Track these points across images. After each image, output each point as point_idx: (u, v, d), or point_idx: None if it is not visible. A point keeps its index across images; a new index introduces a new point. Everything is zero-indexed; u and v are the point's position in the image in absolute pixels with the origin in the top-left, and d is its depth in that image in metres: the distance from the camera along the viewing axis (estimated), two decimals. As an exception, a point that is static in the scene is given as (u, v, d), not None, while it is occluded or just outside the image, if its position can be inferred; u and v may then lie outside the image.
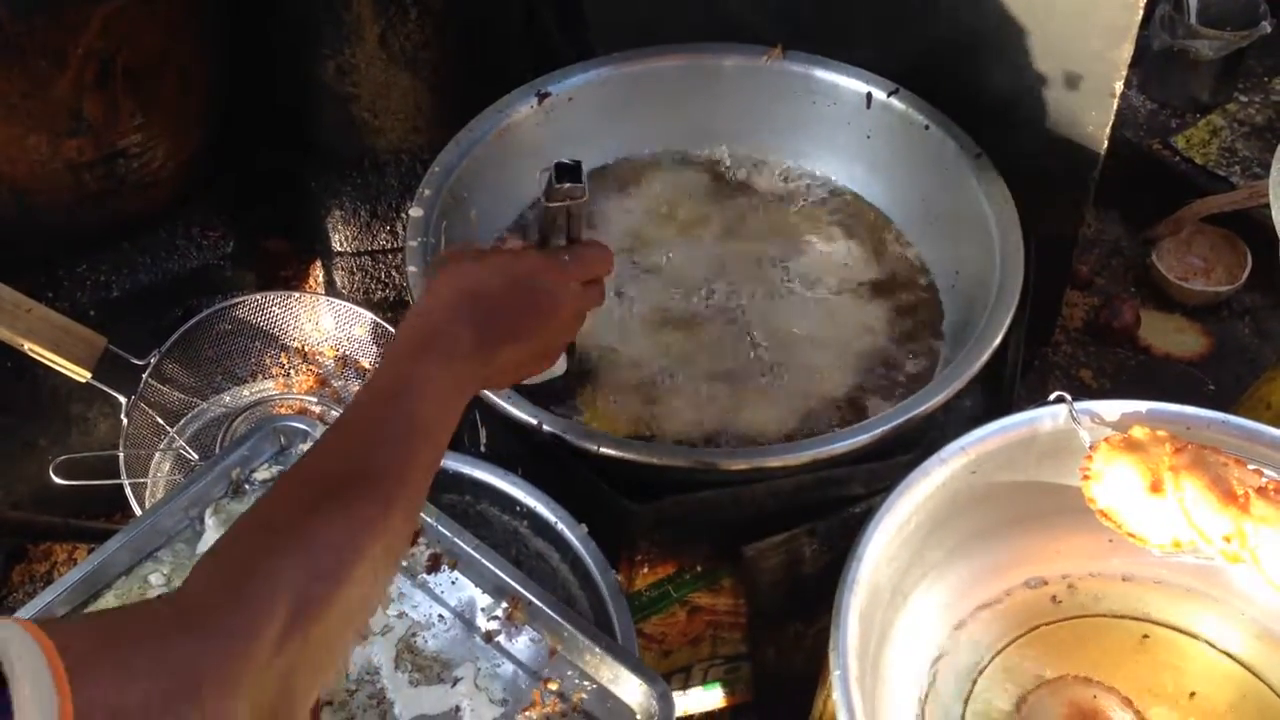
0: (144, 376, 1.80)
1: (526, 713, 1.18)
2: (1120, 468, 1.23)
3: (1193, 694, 1.29)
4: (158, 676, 0.74)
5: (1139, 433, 1.26)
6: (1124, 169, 2.36)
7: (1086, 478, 1.25)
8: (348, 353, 1.98)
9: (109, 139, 1.71)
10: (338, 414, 1.83)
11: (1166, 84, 2.45)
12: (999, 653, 1.34)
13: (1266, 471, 1.23)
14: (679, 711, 1.60)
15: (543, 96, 1.73)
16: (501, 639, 1.23)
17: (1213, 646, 1.33)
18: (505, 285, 1.06)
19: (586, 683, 1.20)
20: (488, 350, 1.03)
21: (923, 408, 1.34)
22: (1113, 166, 1.81)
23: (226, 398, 1.92)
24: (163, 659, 0.75)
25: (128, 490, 1.76)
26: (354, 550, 0.87)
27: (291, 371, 1.96)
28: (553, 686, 1.20)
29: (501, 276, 1.06)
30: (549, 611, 1.21)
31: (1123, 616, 1.36)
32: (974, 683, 1.32)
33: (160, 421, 1.81)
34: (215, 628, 0.78)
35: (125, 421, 1.77)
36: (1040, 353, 2.16)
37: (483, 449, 1.60)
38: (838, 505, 1.41)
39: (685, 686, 1.61)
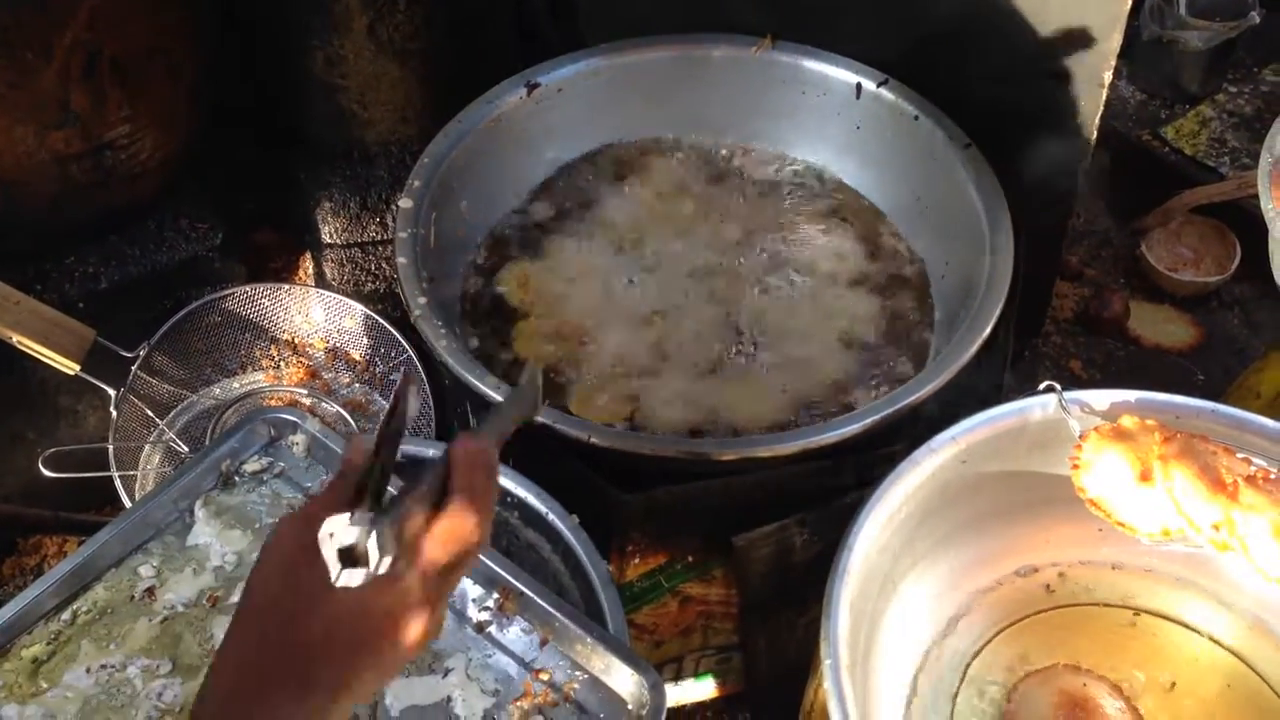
0: (133, 369, 1.79)
1: (518, 703, 1.18)
2: (1109, 457, 1.23)
3: (1181, 681, 1.30)
4: None
5: (1128, 422, 1.26)
6: (1113, 160, 2.37)
7: (1076, 467, 1.25)
8: (337, 345, 1.98)
9: (96, 131, 1.70)
10: (328, 406, 1.83)
11: (1156, 75, 2.45)
12: (989, 641, 1.34)
13: (1255, 460, 1.23)
14: (671, 702, 1.60)
15: (532, 87, 1.73)
16: (493, 629, 1.23)
17: (1202, 634, 1.34)
18: (323, 632, 0.84)
19: (578, 673, 1.19)
20: (318, 704, 0.84)
21: (912, 398, 1.35)
22: (1102, 157, 1.82)
23: (216, 390, 1.92)
24: None
25: (117, 483, 1.75)
26: None
27: (281, 363, 1.96)
28: (544, 677, 1.20)
29: (317, 618, 0.84)
30: (540, 602, 1.21)
31: (1112, 605, 1.37)
32: (965, 671, 1.32)
33: (150, 414, 1.81)
34: None
35: (115, 414, 1.76)
36: (1030, 343, 2.16)
37: (473, 440, 1.60)
38: (828, 495, 1.42)
39: (677, 677, 1.61)
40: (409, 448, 1.41)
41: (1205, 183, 2.26)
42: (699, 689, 1.65)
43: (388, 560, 0.83)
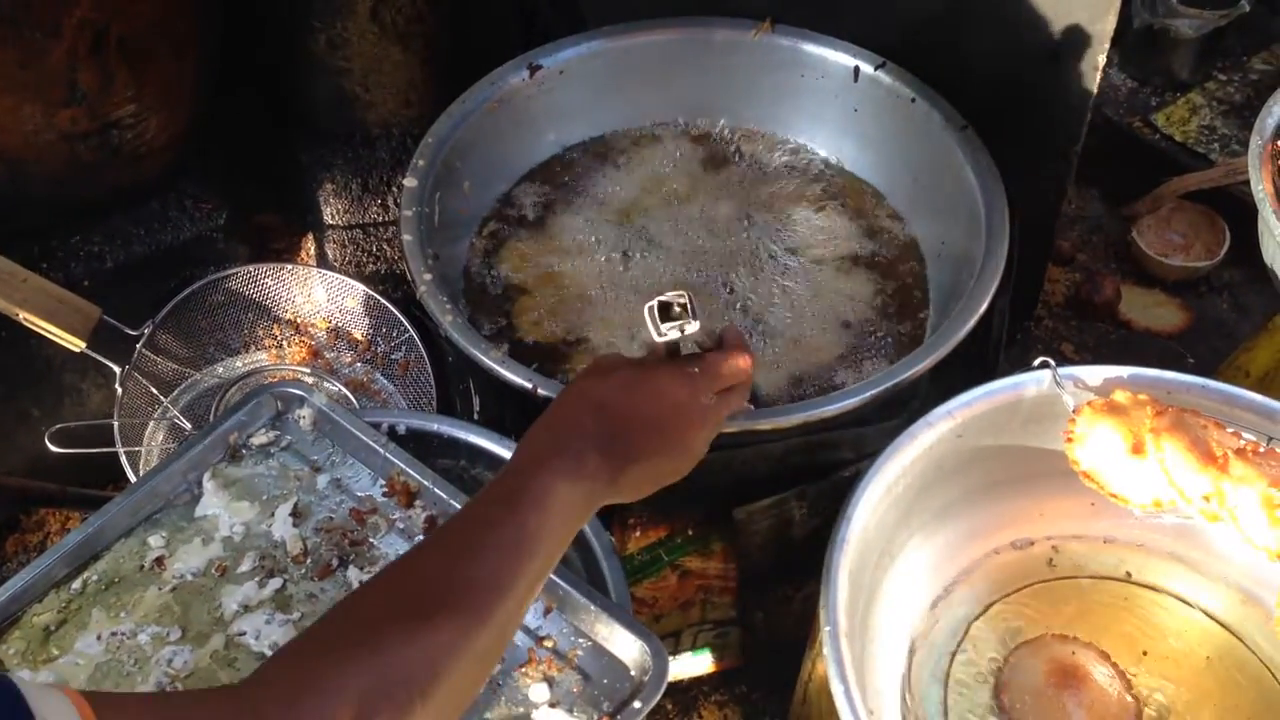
0: (138, 346, 1.81)
1: (523, 669, 1.20)
2: (1102, 430, 1.26)
3: (1171, 651, 1.33)
4: None
5: (1121, 397, 1.29)
6: (1105, 146, 2.39)
7: (1070, 440, 1.28)
8: (340, 325, 1.99)
9: (103, 110, 1.72)
10: (330, 385, 1.86)
11: (1147, 62, 2.48)
12: (984, 612, 1.37)
13: (1245, 434, 1.26)
14: (669, 676, 1.63)
15: (534, 69, 1.74)
16: (498, 598, 1.25)
17: (1192, 606, 1.37)
18: (633, 401, 1.06)
19: (582, 640, 1.22)
20: (614, 467, 1.03)
21: (909, 372, 1.37)
22: (1094, 144, 1.84)
23: (220, 368, 1.94)
24: None
25: (123, 458, 1.77)
26: (430, 673, 0.86)
27: (284, 343, 1.98)
28: (548, 644, 1.22)
29: (629, 392, 1.06)
30: (545, 570, 1.23)
31: (1105, 577, 1.40)
32: (960, 641, 1.35)
33: (154, 391, 1.83)
34: None
35: (120, 391, 1.78)
36: (1023, 327, 2.19)
37: (475, 416, 1.63)
38: (826, 469, 1.44)
39: (675, 651, 1.64)
40: (413, 421, 1.43)
41: (1195, 169, 2.29)
42: (697, 663, 1.68)
43: (697, 324, 1.09)
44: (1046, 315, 2.25)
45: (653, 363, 1.12)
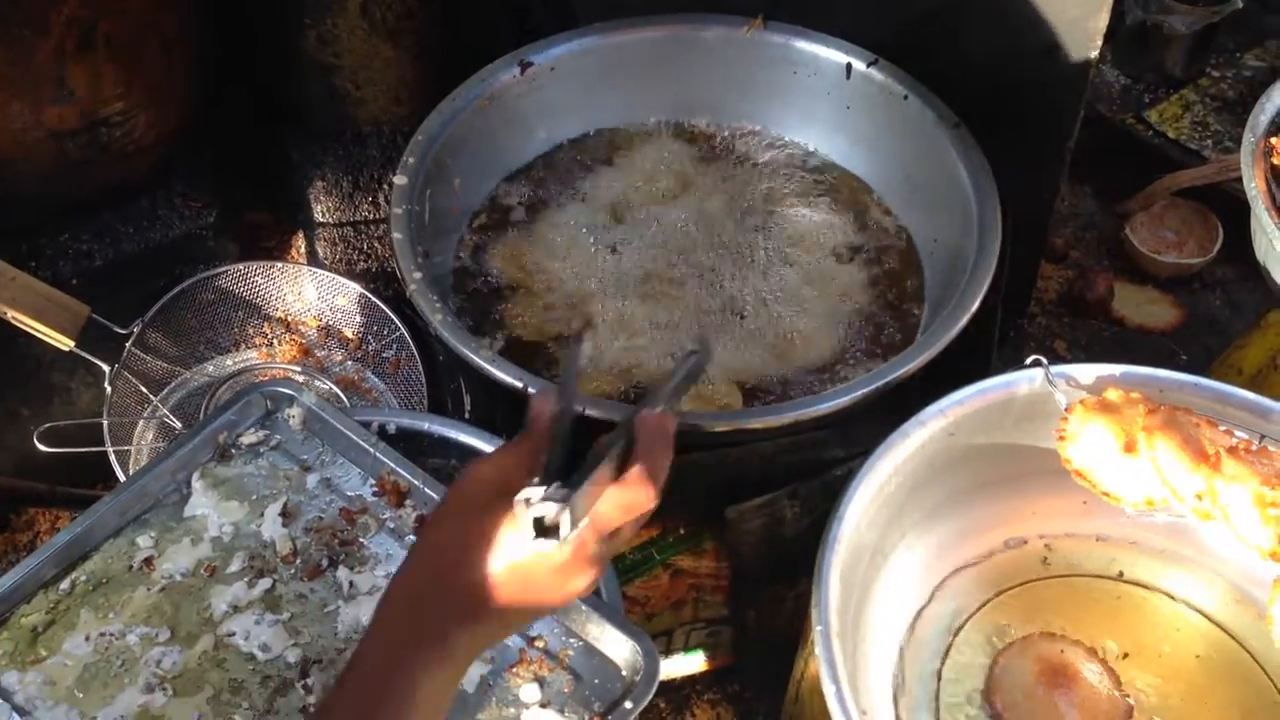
0: (127, 345, 1.80)
1: (514, 670, 1.20)
2: (1095, 429, 1.26)
3: (1163, 649, 1.33)
4: None
5: (1113, 395, 1.29)
6: (1098, 143, 2.39)
7: (1062, 439, 1.27)
8: (330, 323, 1.99)
9: (92, 107, 1.71)
10: (321, 383, 1.85)
11: (1140, 59, 2.48)
12: (977, 611, 1.37)
13: (1237, 432, 1.26)
14: (661, 675, 1.62)
15: (525, 66, 1.74)
16: (489, 598, 1.25)
17: (1184, 604, 1.37)
18: (498, 575, 0.94)
19: (573, 640, 1.21)
20: (478, 637, 0.96)
21: (901, 371, 1.37)
22: (1087, 140, 1.84)
23: (210, 367, 1.93)
24: None
25: (112, 457, 1.76)
26: None
27: (275, 341, 1.97)
28: (539, 644, 1.21)
29: (494, 564, 0.94)
30: (535, 570, 1.23)
31: (1097, 576, 1.40)
32: (952, 641, 1.35)
33: (144, 390, 1.82)
34: None
35: (109, 390, 1.77)
36: (1016, 324, 2.18)
37: (466, 415, 1.62)
38: (818, 468, 1.44)
39: (667, 650, 1.63)
40: (404, 420, 1.42)
41: (1188, 166, 2.29)
42: (689, 662, 1.67)
43: (575, 533, 0.93)
44: (1040, 312, 2.25)
45: (516, 534, 0.95)
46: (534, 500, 0.90)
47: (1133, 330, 2.21)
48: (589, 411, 1.34)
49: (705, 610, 1.62)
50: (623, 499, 0.96)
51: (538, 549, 0.92)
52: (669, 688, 1.71)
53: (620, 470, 0.97)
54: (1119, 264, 2.33)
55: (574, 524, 0.92)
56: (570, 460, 0.96)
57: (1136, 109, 2.43)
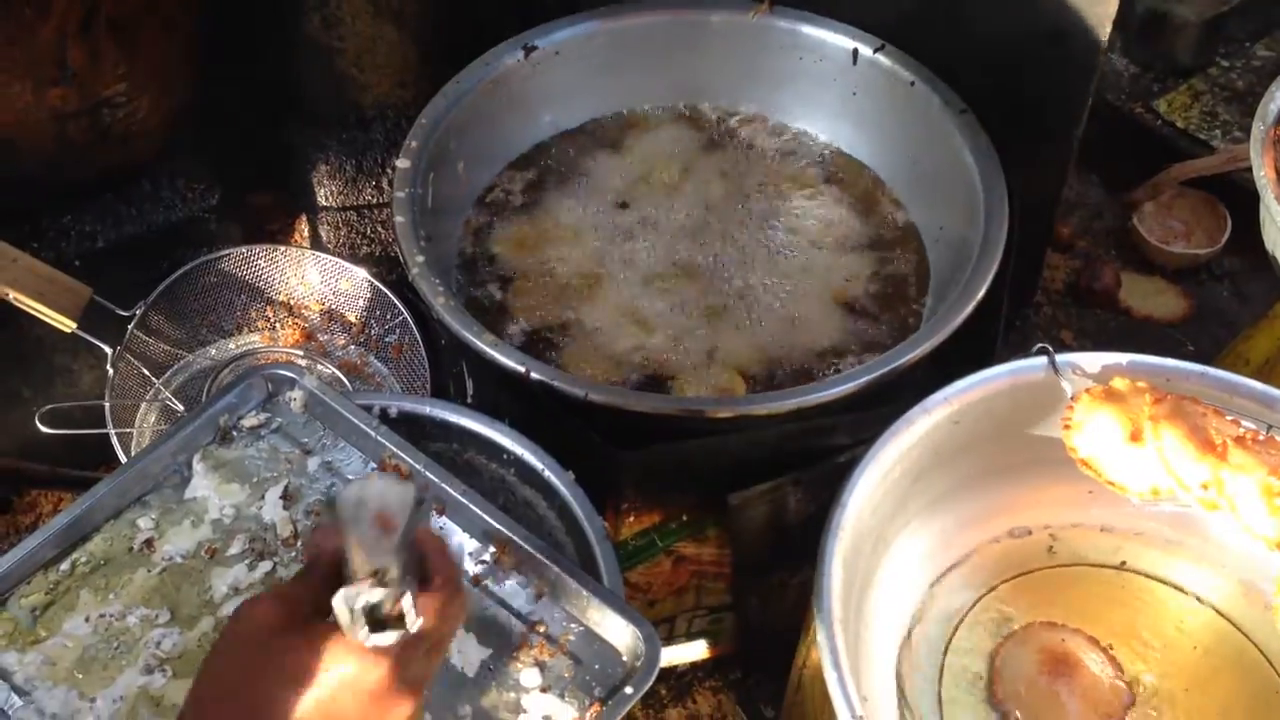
0: (129, 328, 1.80)
1: (515, 655, 1.19)
2: (1101, 417, 1.25)
3: (1167, 639, 1.32)
4: None
5: (1119, 384, 1.28)
6: (1106, 132, 2.37)
7: (1068, 427, 1.27)
8: (333, 307, 1.98)
9: (93, 88, 1.70)
10: (323, 368, 1.84)
11: (1149, 48, 2.46)
12: (980, 600, 1.36)
13: (1244, 422, 1.25)
14: (663, 662, 1.62)
15: (529, 50, 1.73)
16: (489, 583, 1.24)
17: (1189, 594, 1.36)
18: (313, 710, 0.81)
19: (574, 625, 1.21)
20: None
21: (907, 358, 1.36)
22: (1095, 130, 1.83)
23: (212, 350, 1.92)
24: None
25: (114, 440, 1.76)
26: None
27: (277, 325, 1.97)
28: (540, 629, 1.21)
29: (290, 703, 0.81)
30: (536, 555, 1.22)
31: (1101, 565, 1.39)
32: (955, 629, 1.34)
33: (146, 373, 1.81)
34: None
35: (111, 372, 1.76)
36: (1022, 313, 2.18)
37: (469, 400, 1.62)
38: (822, 455, 1.43)
39: (670, 637, 1.63)
40: (405, 404, 1.41)
41: (1197, 156, 2.28)
42: (691, 650, 1.67)
43: (420, 621, 0.83)
44: (1046, 302, 2.24)
45: (320, 640, 0.84)
46: (361, 595, 0.81)
47: (1139, 321, 2.20)
48: (592, 397, 1.34)
49: (707, 597, 1.61)
50: (436, 603, 0.87)
51: (377, 642, 0.82)
52: (671, 674, 1.71)
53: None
54: (1126, 254, 2.31)
55: (419, 611, 0.83)
56: None
57: (1145, 98, 2.41)
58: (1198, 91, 2.41)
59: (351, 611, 0.82)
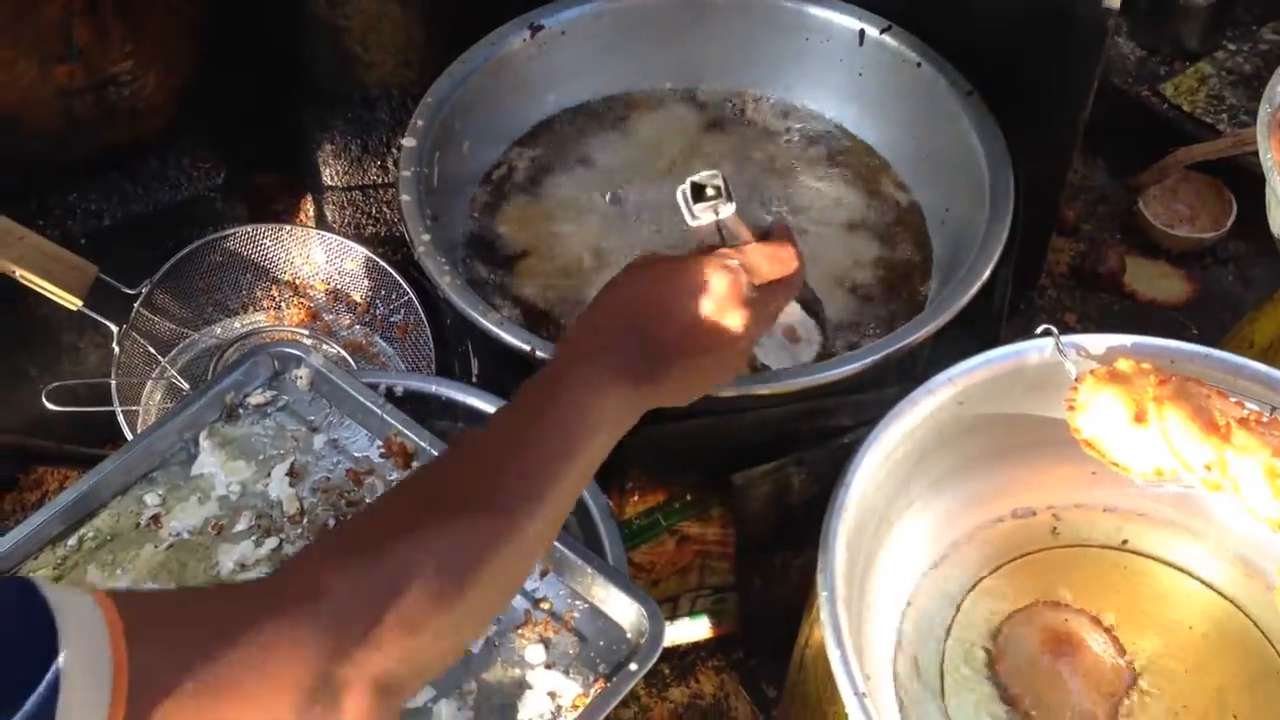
0: (135, 305, 1.80)
1: (519, 631, 1.20)
2: (1105, 398, 1.25)
3: (1170, 620, 1.32)
4: (233, 654, 0.72)
5: (1124, 365, 1.28)
6: (1112, 116, 2.37)
7: (1071, 408, 1.26)
8: (339, 286, 1.99)
9: (99, 66, 1.70)
10: (329, 347, 1.85)
11: (1156, 31, 2.45)
12: (982, 580, 1.37)
13: (1248, 403, 1.25)
14: (666, 641, 1.62)
15: (535, 29, 1.73)
16: (494, 560, 1.25)
17: (1192, 576, 1.36)
18: (673, 294, 1.00)
19: (578, 602, 1.21)
20: (656, 364, 0.99)
21: (911, 339, 1.36)
22: (1101, 113, 1.82)
23: (218, 329, 1.93)
24: (250, 640, 0.74)
25: (120, 417, 1.76)
26: (476, 559, 0.84)
27: (282, 304, 1.97)
28: (545, 606, 1.21)
29: (667, 284, 1.01)
30: (542, 532, 1.23)
31: (1105, 547, 1.39)
32: (957, 609, 1.35)
33: (152, 351, 1.82)
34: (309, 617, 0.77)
35: (117, 350, 1.77)
36: (1026, 297, 2.17)
37: (474, 379, 1.62)
38: (826, 436, 1.43)
39: (673, 616, 1.64)
40: (411, 382, 1.42)
41: (1203, 139, 2.27)
42: (694, 629, 1.68)
43: (732, 206, 1.04)
44: (1050, 285, 2.23)
45: (690, 255, 1.06)
46: (690, 180, 1.01)
47: (1144, 304, 2.20)
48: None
49: (711, 577, 1.62)
50: (769, 250, 1.07)
51: (699, 220, 1.03)
52: (674, 654, 1.72)
53: None
54: (1131, 238, 2.31)
55: (730, 195, 1.02)
56: None
57: (1152, 81, 2.41)
58: (1204, 75, 2.40)
59: (684, 193, 1.02)
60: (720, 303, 1.01)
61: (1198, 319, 2.17)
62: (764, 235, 1.13)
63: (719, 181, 1.03)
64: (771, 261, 1.07)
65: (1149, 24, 2.46)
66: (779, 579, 1.58)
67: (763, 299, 1.06)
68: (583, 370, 0.96)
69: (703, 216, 1.04)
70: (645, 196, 1.69)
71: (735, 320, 1.02)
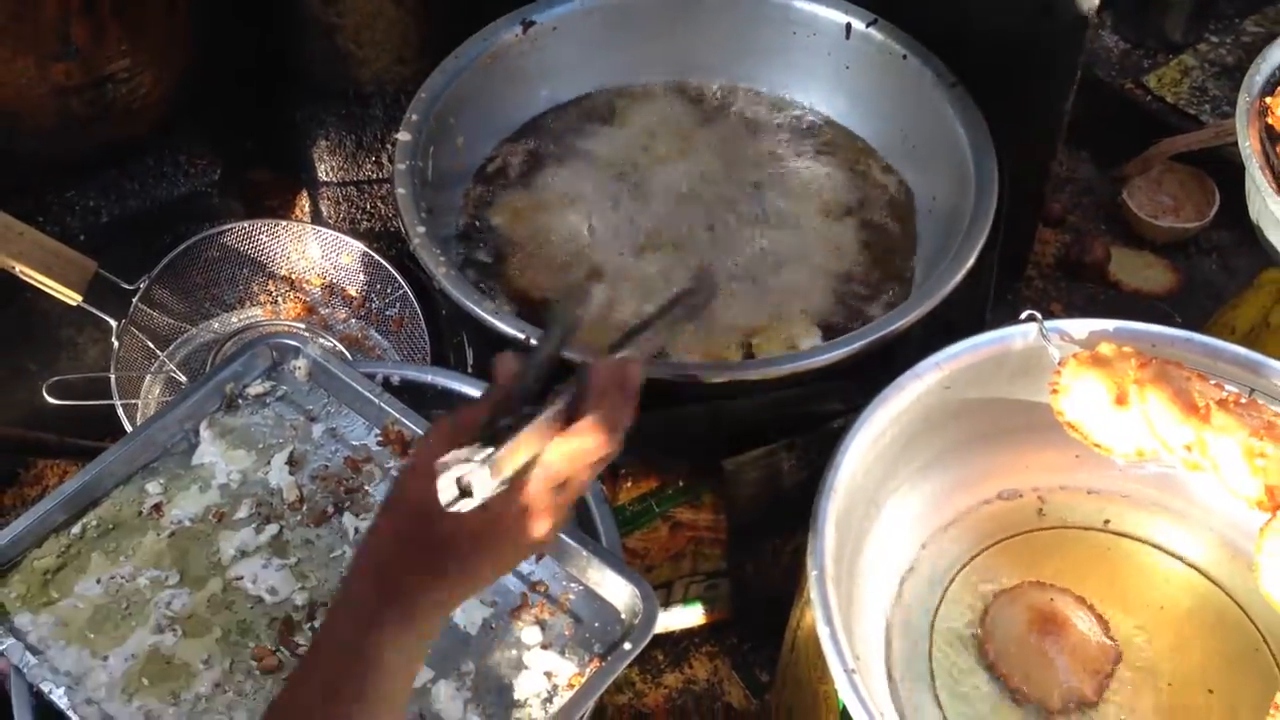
0: (134, 301, 1.82)
1: (516, 613, 1.22)
2: (1087, 381, 1.28)
3: (1153, 599, 1.35)
4: None
5: (1106, 349, 1.31)
6: (1096, 108, 2.40)
7: (1055, 392, 1.29)
8: (334, 281, 2.01)
9: (97, 64, 1.72)
10: (325, 340, 1.86)
11: (1140, 24, 2.48)
12: (969, 561, 1.39)
13: (1227, 386, 1.28)
14: (660, 628, 1.65)
15: (528, 25, 1.75)
16: (491, 544, 1.27)
17: (1173, 555, 1.39)
18: (452, 532, 0.95)
19: (573, 584, 1.24)
20: (443, 598, 0.97)
21: (897, 324, 1.39)
22: (1085, 106, 1.85)
23: (215, 324, 1.95)
24: None
25: (119, 411, 1.79)
26: None
27: (279, 299, 1.99)
28: (541, 589, 1.24)
29: (448, 521, 0.93)
30: (537, 517, 1.25)
31: (1089, 528, 1.42)
32: (945, 590, 1.37)
33: (150, 345, 1.84)
34: None
35: (116, 344, 1.79)
36: (1013, 287, 2.20)
37: (469, 370, 1.64)
38: (815, 422, 1.46)
39: (667, 602, 1.66)
40: (407, 372, 1.44)
41: (1186, 131, 2.30)
42: (688, 615, 1.70)
43: (492, 492, 0.92)
44: (1036, 276, 2.26)
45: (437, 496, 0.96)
46: (452, 464, 0.90)
47: (1129, 294, 2.22)
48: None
49: (704, 563, 1.64)
50: (568, 448, 0.95)
51: (457, 509, 0.91)
52: (668, 640, 1.74)
53: (572, 419, 0.97)
54: (1116, 229, 2.34)
55: (489, 486, 0.91)
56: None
57: (1136, 74, 2.43)
58: (1187, 67, 2.43)
59: (439, 477, 0.92)
60: (512, 528, 0.96)
61: (1182, 308, 2.20)
62: (584, 380, 1.00)
63: (476, 478, 0.92)
64: (569, 459, 0.96)
65: (1133, 17, 2.49)
66: (770, 564, 1.60)
67: (561, 492, 0.98)
68: (373, 637, 0.94)
69: (463, 507, 0.93)
70: (639, 189, 1.72)
71: (528, 532, 0.97)
